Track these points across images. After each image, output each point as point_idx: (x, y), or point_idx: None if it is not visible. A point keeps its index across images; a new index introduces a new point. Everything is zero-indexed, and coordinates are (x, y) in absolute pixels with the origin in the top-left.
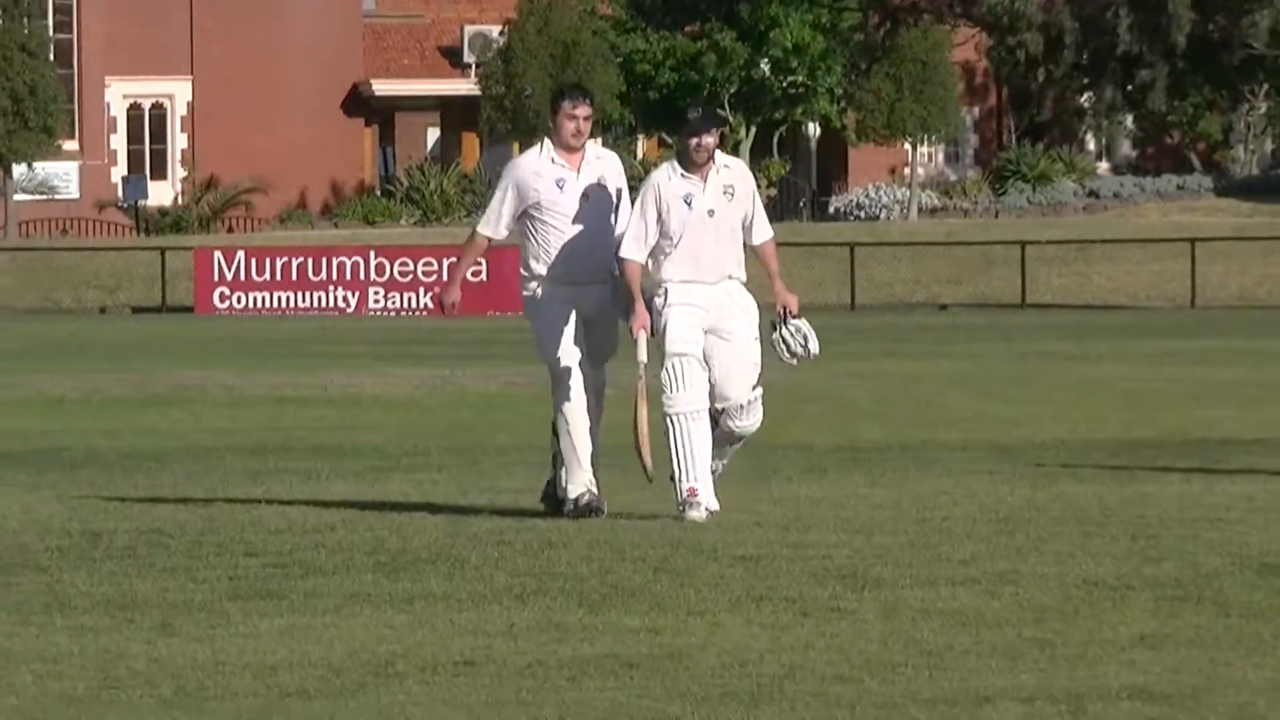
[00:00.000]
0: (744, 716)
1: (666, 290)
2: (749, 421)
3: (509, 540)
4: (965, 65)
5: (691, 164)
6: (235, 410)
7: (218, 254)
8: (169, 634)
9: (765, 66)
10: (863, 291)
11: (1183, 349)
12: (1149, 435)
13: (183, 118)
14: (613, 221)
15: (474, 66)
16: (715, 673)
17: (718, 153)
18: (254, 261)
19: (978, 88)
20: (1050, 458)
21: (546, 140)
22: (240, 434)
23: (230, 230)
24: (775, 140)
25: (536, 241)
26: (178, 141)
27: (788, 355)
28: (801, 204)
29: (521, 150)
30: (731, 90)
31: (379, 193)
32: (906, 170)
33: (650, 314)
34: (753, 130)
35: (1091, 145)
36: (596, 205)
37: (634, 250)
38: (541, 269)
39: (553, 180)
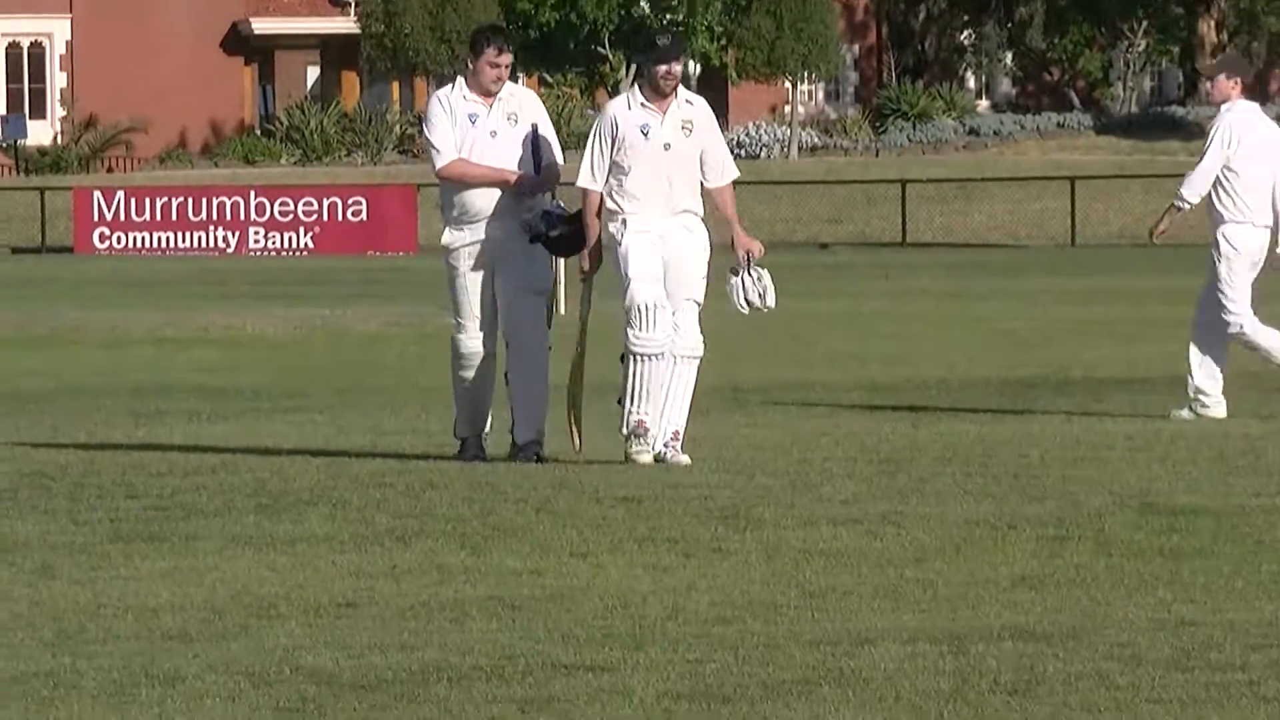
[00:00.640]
0: (626, 658)
1: (625, 220)
2: (689, 342)
3: (390, 482)
4: (846, 2)
5: (655, 93)
6: (116, 351)
7: (97, 194)
8: (50, 576)
9: (645, 4)
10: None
11: (1063, 287)
12: (1030, 374)
13: (61, 56)
14: (525, 157)
15: (354, 4)
16: (598, 614)
17: (680, 88)
18: (134, 201)
19: (858, 25)
20: (931, 397)
21: (460, 79)
22: (121, 375)
23: (110, 170)
24: None
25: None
26: (56, 80)
27: (743, 303)
28: None
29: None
30: (611, 28)
31: (259, 132)
32: (787, 108)
33: (609, 244)
34: (632, 68)
35: (971, 83)
36: (507, 142)
37: (590, 179)
38: (452, 212)
39: (466, 115)
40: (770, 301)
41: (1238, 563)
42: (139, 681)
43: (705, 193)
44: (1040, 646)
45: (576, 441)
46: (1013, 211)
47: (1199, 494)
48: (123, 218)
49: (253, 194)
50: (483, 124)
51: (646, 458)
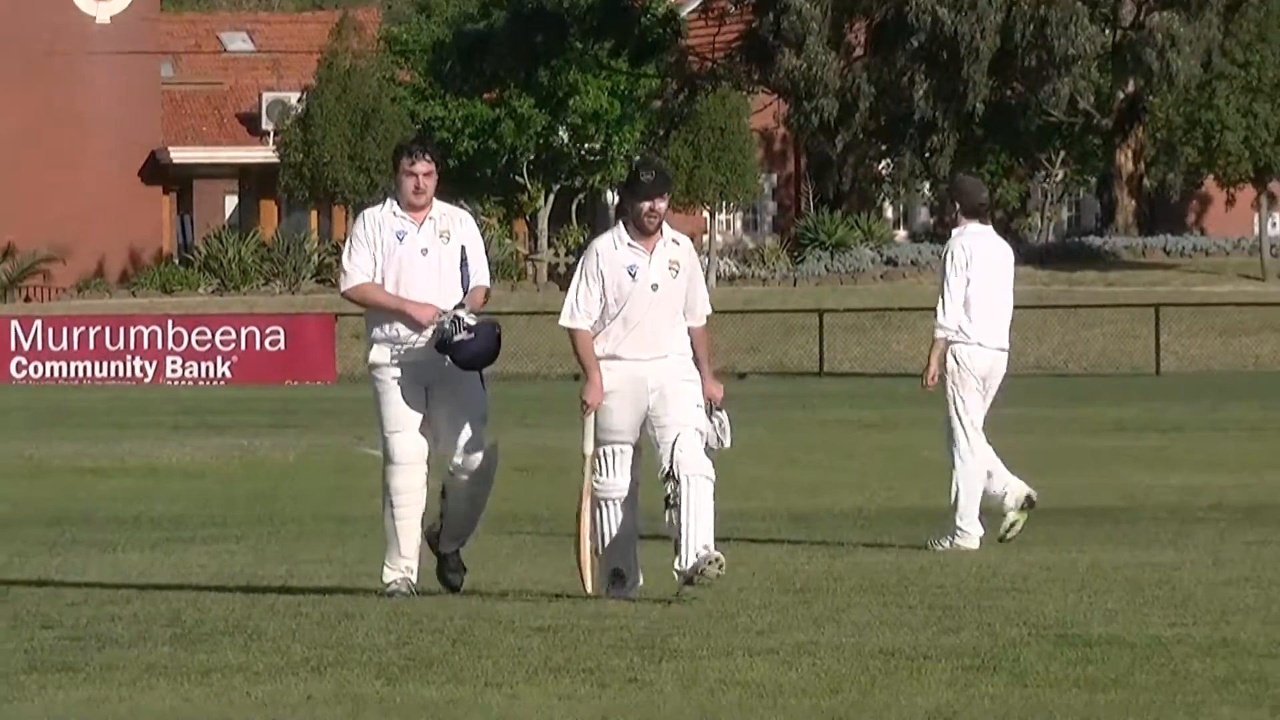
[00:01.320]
0: None
1: (606, 368)
2: (701, 467)
3: (306, 612)
4: (764, 132)
5: (640, 232)
6: (32, 481)
7: (15, 323)
8: None
9: (564, 133)
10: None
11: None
12: (947, 503)
13: None
14: (457, 277)
15: (272, 133)
16: None
17: (664, 225)
18: (51, 330)
19: (776, 154)
20: (848, 526)
21: (389, 198)
22: (37, 505)
23: (28, 299)
24: (574, 207)
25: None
26: None
27: (714, 443)
28: None
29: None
30: (530, 157)
31: (177, 261)
32: (705, 237)
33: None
34: (551, 197)
35: (889, 213)
36: (439, 261)
37: (580, 319)
38: (381, 334)
39: (394, 232)
40: (728, 442)
41: (1153, 693)
42: None
43: None
44: None
45: (587, 582)
46: (929, 341)
47: (1115, 624)
48: (40, 346)
49: (170, 323)
50: (411, 241)
51: (621, 594)
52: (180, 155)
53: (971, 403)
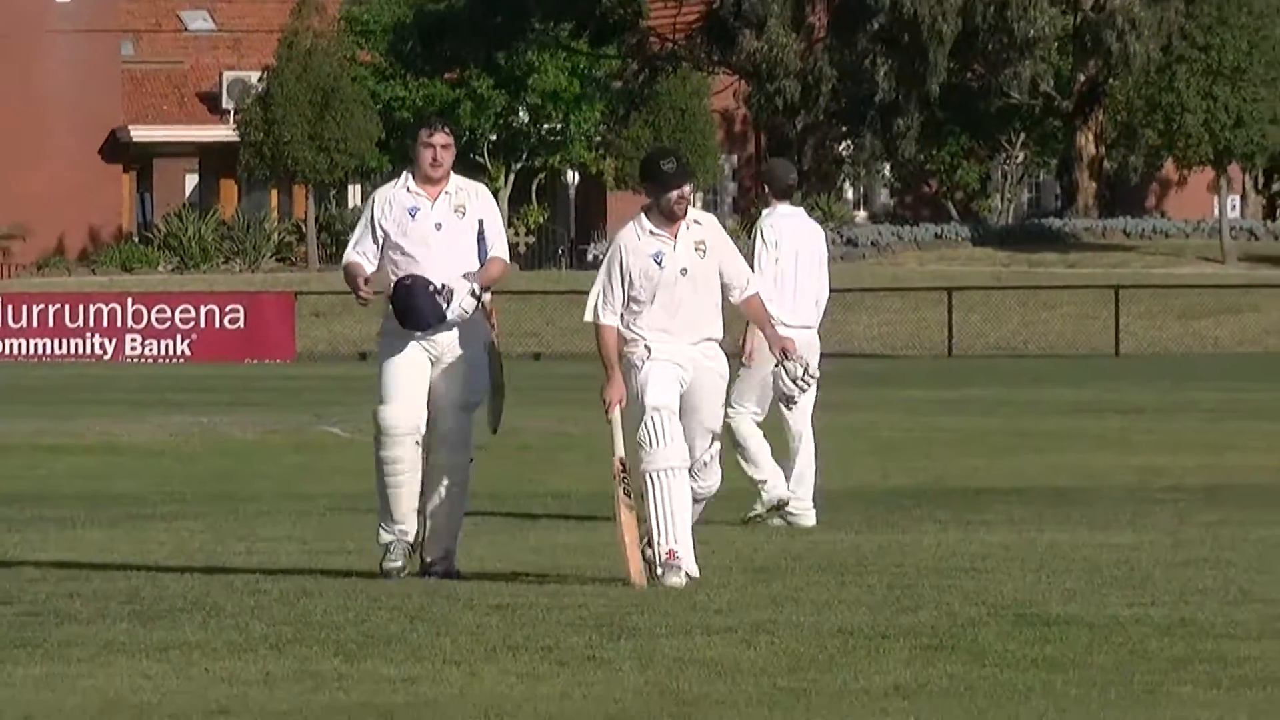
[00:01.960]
0: None
1: (646, 346)
2: (709, 482)
3: (265, 589)
4: (724, 113)
5: (666, 219)
6: None
7: None
8: None
9: (523, 113)
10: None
11: (940, 398)
12: (906, 484)
13: None
14: (474, 252)
15: (233, 113)
16: None
17: (689, 208)
18: (10, 308)
19: (737, 135)
20: None
21: (406, 173)
22: None
23: None
24: (534, 187)
25: (390, 275)
26: None
27: (789, 383)
28: (560, 251)
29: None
30: (490, 137)
31: (137, 239)
32: None
33: (628, 374)
34: (511, 177)
35: (850, 194)
36: (454, 236)
37: (605, 315)
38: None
39: (405, 209)
40: (814, 371)
41: (1111, 673)
42: None
43: (731, 307)
44: None
45: (637, 576)
46: (890, 322)
47: (1073, 604)
48: (0, 324)
49: (130, 301)
50: (424, 217)
51: (677, 580)
52: (140, 134)
53: (755, 379)
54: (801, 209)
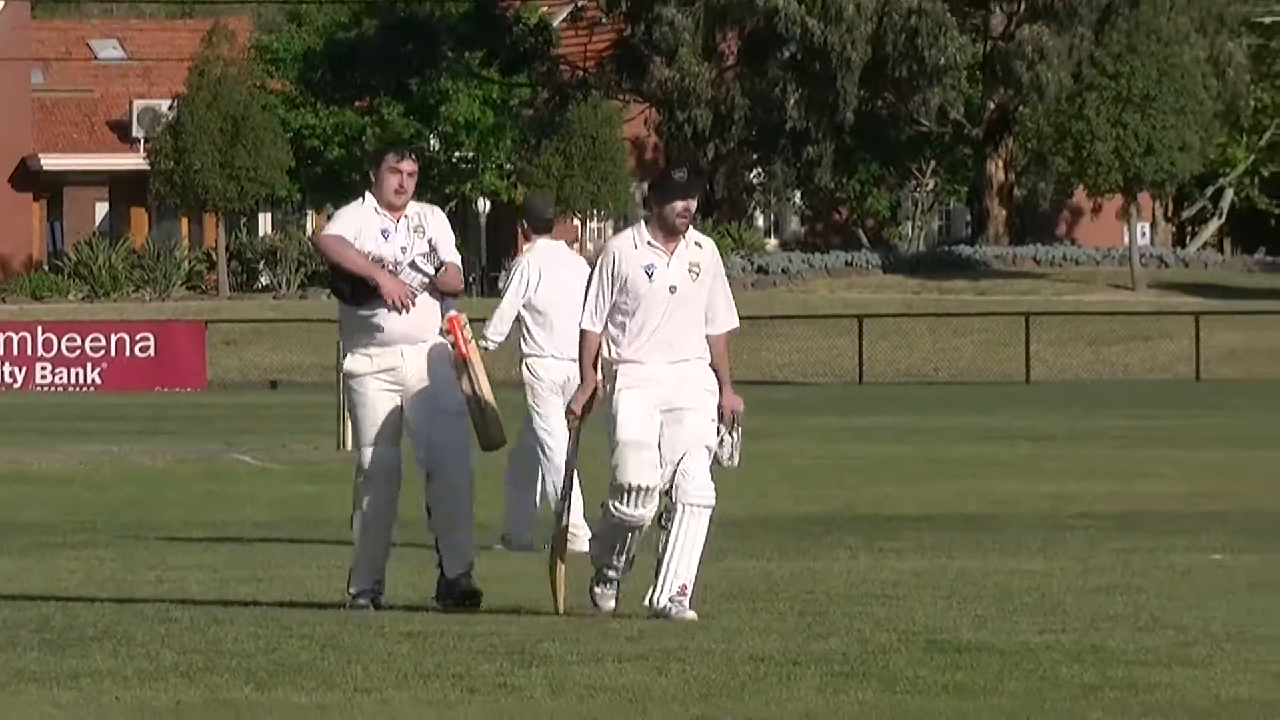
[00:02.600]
0: None
1: (618, 372)
2: (703, 494)
3: (176, 617)
4: (636, 141)
5: (666, 232)
6: None
7: None
8: None
9: (434, 141)
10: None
11: (851, 425)
12: (817, 511)
13: None
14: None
15: (143, 141)
16: None
17: (690, 229)
18: None
19: (648, 163)
20: (719, 534)
21: (367, 195)
22: None
23: None
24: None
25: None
26: None
27: (724, 457)
28: (471, 279)
29: (190, 224)
30: None
31: (47, 268)
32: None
33: (600, 390)
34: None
35: (761, 221)
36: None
37: (590, 321)
38: (358, 342)
39: (378, 230)
40: (737, 461)
41: (1022, 699)
42: None
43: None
44: None
45: (560, 603)
46: (801, 349)
47: (984, 631)
48: None
49: (40, 330)
50: (393, 239)
51: (609, 604)
52: (51, 162)
53: (550, 412)
54: (562, 242)
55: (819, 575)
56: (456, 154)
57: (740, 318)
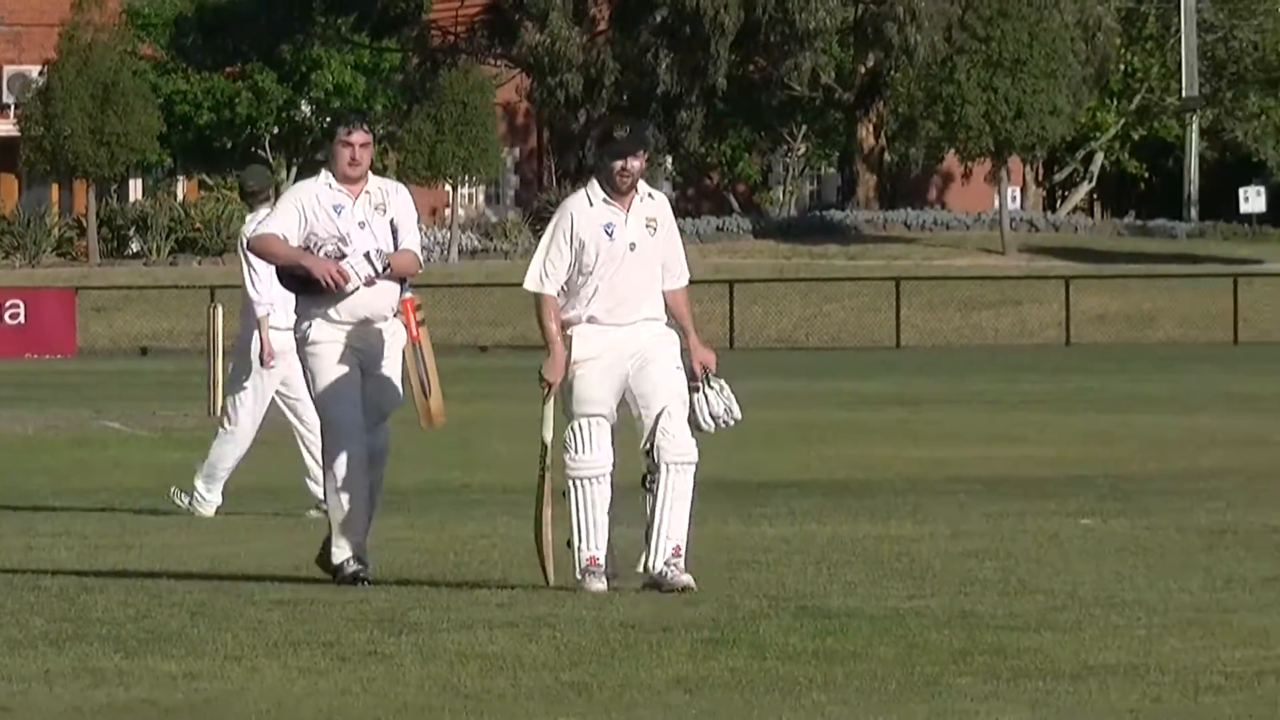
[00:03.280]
0: None
1: (573, 337)
2: (684, 452)
3: (44, 585)
4: (507, 106)
5: (614, 190)
6: None
7: None
8: None
9: (306, 107)
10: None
11: None
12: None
13: None
14: (392, 248)
15: (13, 107)
16: (251, 718)
17: (640, 182)
18: None
19: (519, 129)
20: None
21: (324, 170)
22: None
23: None
24: None
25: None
26: None
27: (707, 419)
28: None
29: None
30: (272, 131)
31: None
32: (448, 211)
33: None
34: (293, 171)
35: None
36: (378, 231)
37: (546, 284)
38: (318, 311)
39: (331, 205)
40: (736, 413)
41: (891, 665)
42: None
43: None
44: None
45: (548, 572)
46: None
47: (854, 597)
48: None
49: None
50: (349, 215)
51: (599, 585)
52: None
53: (265, 381)
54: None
55: (689, 541)
56: (328, 120)
57: None
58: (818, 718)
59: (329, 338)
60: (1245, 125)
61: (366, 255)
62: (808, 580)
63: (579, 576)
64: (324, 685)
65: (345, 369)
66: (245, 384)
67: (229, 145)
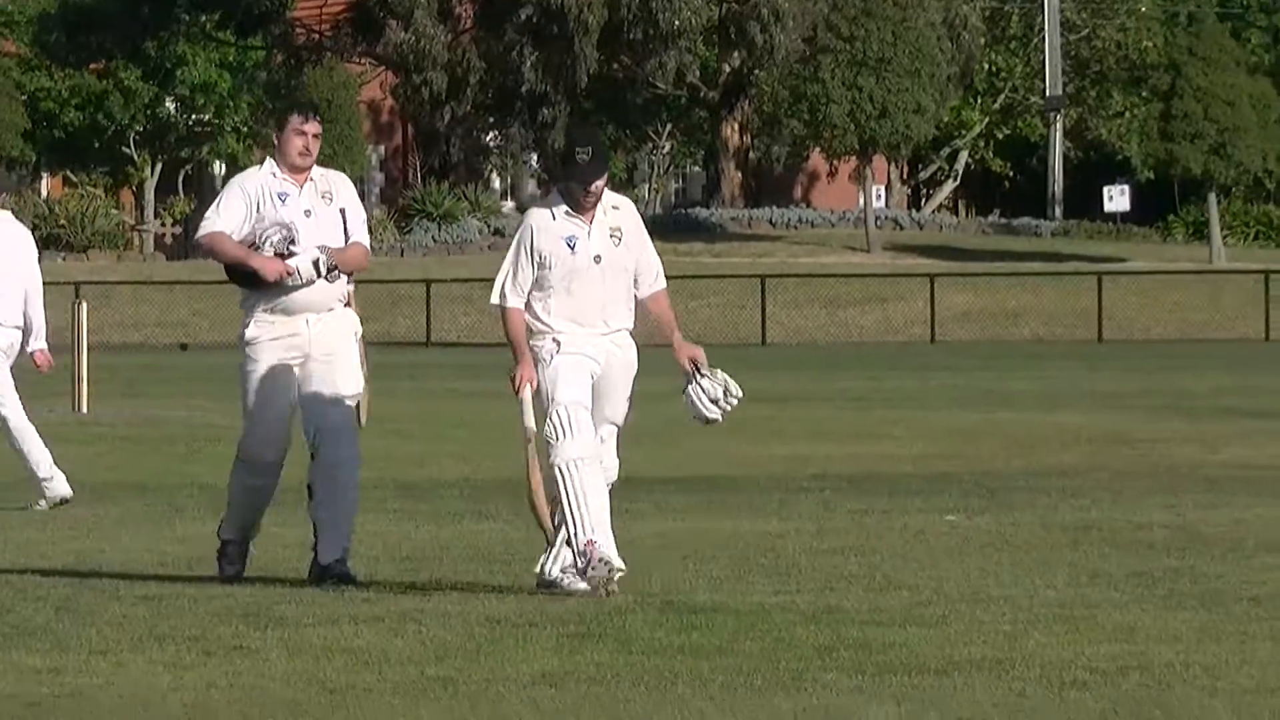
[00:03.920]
0: None
1: (555, 339)
2: (609, 470)
3: None
4: (371, 104)
5: (577, 207)
6: None
7: None
8: None
9: (171, 105)
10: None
11: None
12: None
13: None
14: (341, 239)
15: None
16: (116, 712)
17: (606, 191)
18: None
19: (384, 126)
20: (455, 496)
21: (269, 160)
22: None
23: None
24: (181, 178)
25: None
26: None
27: (708, 406)
28: None
29: None
30: (137, 128)
31: None
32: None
33: (536, 364)
34: (158, 168)
35: (497, 184)
36: (321, 223)
37: (510, 297)
38: (261, 308)
39: (276, 194)
40: (736, 390)
41: (757, 660)
42: None
43: (638, 302)
44: None
45: (547, 530)
46: None
47: (720, 592)
48: None
49: None
50: (294, 203)
51: (603, 571)
52: None
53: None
54: (8, 213)
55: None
56: (194, 117)
57: (476, 280)
58: (683, 712)
59: (268, 337)
60: (1109, 124)
61: (315, 263)
62: (674, 575)
63: (580, 562)
64: (190, 679)
65: (278, 377)
66: None
67: (96, 143)
